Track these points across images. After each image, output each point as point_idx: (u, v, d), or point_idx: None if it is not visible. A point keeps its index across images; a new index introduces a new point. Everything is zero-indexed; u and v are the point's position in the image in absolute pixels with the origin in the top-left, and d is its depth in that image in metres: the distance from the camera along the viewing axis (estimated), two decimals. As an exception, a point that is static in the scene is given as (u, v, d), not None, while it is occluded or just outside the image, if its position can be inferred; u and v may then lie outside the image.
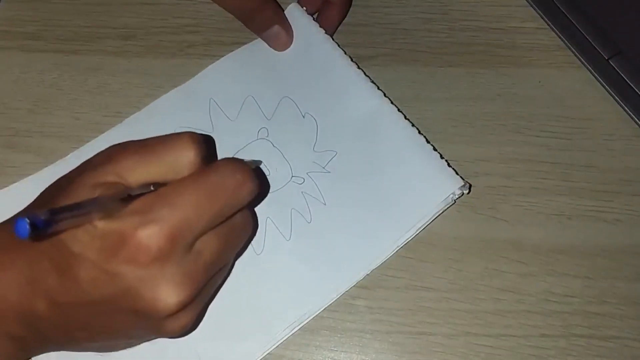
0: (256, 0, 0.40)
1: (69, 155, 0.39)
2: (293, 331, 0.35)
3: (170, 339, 0.32)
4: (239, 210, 0.30)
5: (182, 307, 0.27)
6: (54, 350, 0.32)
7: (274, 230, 0.37)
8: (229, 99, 0.41)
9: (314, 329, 0.36)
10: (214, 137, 0.40)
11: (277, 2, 0.42)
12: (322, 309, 0.36)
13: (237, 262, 0.36)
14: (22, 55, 0.44)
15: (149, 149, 0.28)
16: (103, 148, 0.39)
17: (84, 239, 0.26)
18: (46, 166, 0.39)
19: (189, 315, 0.29)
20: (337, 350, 0.36)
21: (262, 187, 0.36)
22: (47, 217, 0.22)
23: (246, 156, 0.39)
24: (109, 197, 0.26)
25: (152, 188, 0.28)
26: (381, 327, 0.36)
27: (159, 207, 0.26)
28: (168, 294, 0.27)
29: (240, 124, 0.40)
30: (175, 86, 0.41)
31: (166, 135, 0.29)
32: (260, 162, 0.39)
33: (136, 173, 0.28)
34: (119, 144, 0.30)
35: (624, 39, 0.41)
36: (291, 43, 0.42)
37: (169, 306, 0.27)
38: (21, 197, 0.38)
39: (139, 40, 0.44)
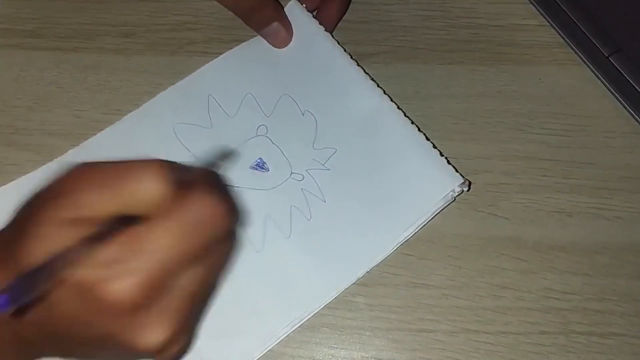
0: None
1: (67, 153, 0.39)
2: (293, 328, 0.35)
3: None
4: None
5: (168, 344, 0.27)
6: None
7: (274, 229, 0.37)
8: (228, 97, 0.41)
9: (314, 327, 0.36)
10: (212, 134, 0.40)
11: (277, 1, 0.42)
12: (322, 307, 0.36)
13: (237, 260, 0.36)
14: (21, 53, 0.43)
15: (115, 178, 0.26)
16: (102, 146, 0.40)
17: (60, 292, 0.25)
18: (46, 164, 0.39)
19: (178, 344, 0.28)
20: (337, 348, 0.36)
21: (236, 214, 0.36)
22: (20, 289, 0.21)
23: (245, 153, 0.39)
24: (78, 247, 0.24)
25: (119, 222, 0.26)
26: (381, 324, 0.36)
27: (131, 255, 0.25)
28: (150, 337, 0.26)
29: (239, 120, 0.40)
30: (175, 83, 0.41)
31: (133, 164, 0.27)
32: (231, 151, 0.38)
33: (103, 206, 0.26)
34: (82, 167, 0.27)
35: (624, 36, 0.41)
36: (290, 40, 0.42)
37: (153, 347, 0.26)
38: (21, 194, 0.38)
39: (138, 37, 0.44)
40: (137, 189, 0.26)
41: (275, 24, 0.41)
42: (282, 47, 0.42)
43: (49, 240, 0.25)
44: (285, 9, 0.42)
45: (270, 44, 0.42)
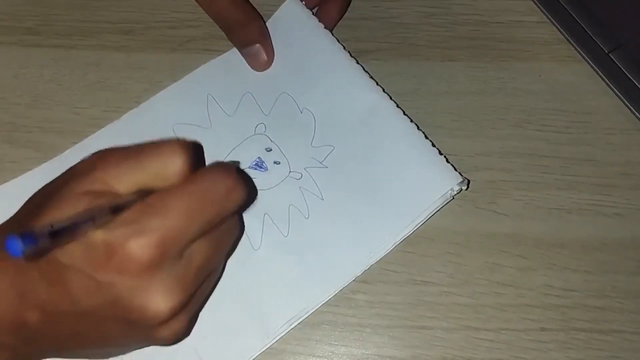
0: (243, 12, 0.39)
1: (67, 150, 0.39)
2: (293, 326, 0.35)
3: None
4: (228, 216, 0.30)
5: (173, 315, 0.27)
6: (46, 358, 0.32)
7: (272, 227, 0.37)
8: (227, 96, 0.41)
9: (314, 324, 0.36)
10: (211, 133, 0.40)
11: (263, 21, 0.41)
12: (321, 304, 0.36)
13: (234, 258, 0.36)
14: (21, 51, 0.43)
15: (136, 156, 0.28)
16: (102, 143, 0.39)
17: (74, 250, 0.26)
18: (46, 161, 0.39)
19: (180, 322, 0.29)
20: (337, 345, 0.36)
21: (250, 193, 0.36)
22: (40, 236, 0.22)
23: (243, 152, 0.39)
24: (99, 209, 0.25)
25: (139, 196, 0.27)
26: (381, 321, 0.36)
27: (148, 217, 0.26)
28: (158, 302, 0.27)
29: (237, 119, 0.40)
30: (175, 81, 0.41)
31: (154, 143, 0.29)
32: (238, 162, 0.38)
33: (124, 180, 0.27)
34: (104, 150, 0.29)
35: (624, 32, 0.41)
36: (270, 66, 0.41)
37: (159, 314, 0.27)
38: (21, 192, 0.38)
39: (138, 34, 0.44)
40: (158, 164, 0.28)
41: (257, 46, 0.40)
42: (259, 71, 0.41)
43: (69, 210, 0.26)
44: (284, 5, 0.42)
45: (248, 64, 0.41)
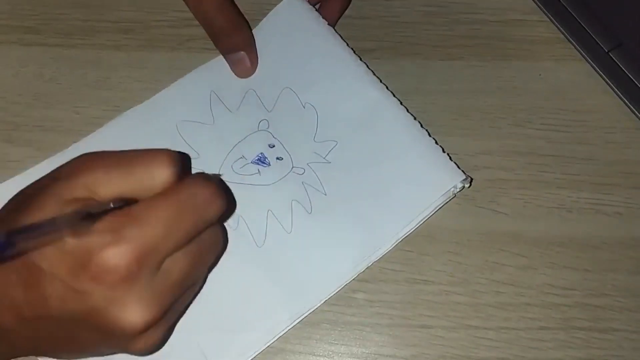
0: (228, 20, 0.39)
1: (69, 148, 0.39)
2: (294, 324, 0.35)
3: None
4: (208, 227, 0.30)
5: (149, 327, 0.27)
6: (20, 356, 0.31)
7: (275, 223, 0.37)
8: (230, 93, 0.41)
9: (315, 322, 0.36)
10: (214, 130, 0.40)
11: (249, 29, 0.41)
12: (322, 302, 0.36)
13: (238, 255, 0.36)
14: (21, 50, 0.43)
15: (126, 164, 0.28)
16: (102, 141, 0.39)
17: (52, 256, 0.26)
18: (46, 159, 0.39)
19: (155, 334, 0.29)
20: (337, 344, 0.36)
21: (229, 204, 0.36)
22: (4, 239, 0.22)
23: (246, 148, 0.39)
24: (76, 214, 0.25)
25: (121, 203, 0.27)
26: (381, 320, 0.36)
27: (128, 226, 0.26)
28: (134, 314, 0.26)
29: (240, 116, 0.40)
30: (175, 80, 0.41)
31: (143, 151, 0.29)
32: (219, 175, 0.38)
33: (108, 187, 0.27)
34: (92, 154, 0.29)
35: (624, 31, 0.41)
36: (253, 72, 0.41)
37: (134, 326, 0.27)
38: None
39: (138, 33, 0.44)
40: (145, 174, 0.28)
41: (241, 54, 0.40)
42: (242, 77, 0.41)
43: (48, 214, 0.26)
44: (284, 1, 0.42)
45: (231, 69, 0.41)
